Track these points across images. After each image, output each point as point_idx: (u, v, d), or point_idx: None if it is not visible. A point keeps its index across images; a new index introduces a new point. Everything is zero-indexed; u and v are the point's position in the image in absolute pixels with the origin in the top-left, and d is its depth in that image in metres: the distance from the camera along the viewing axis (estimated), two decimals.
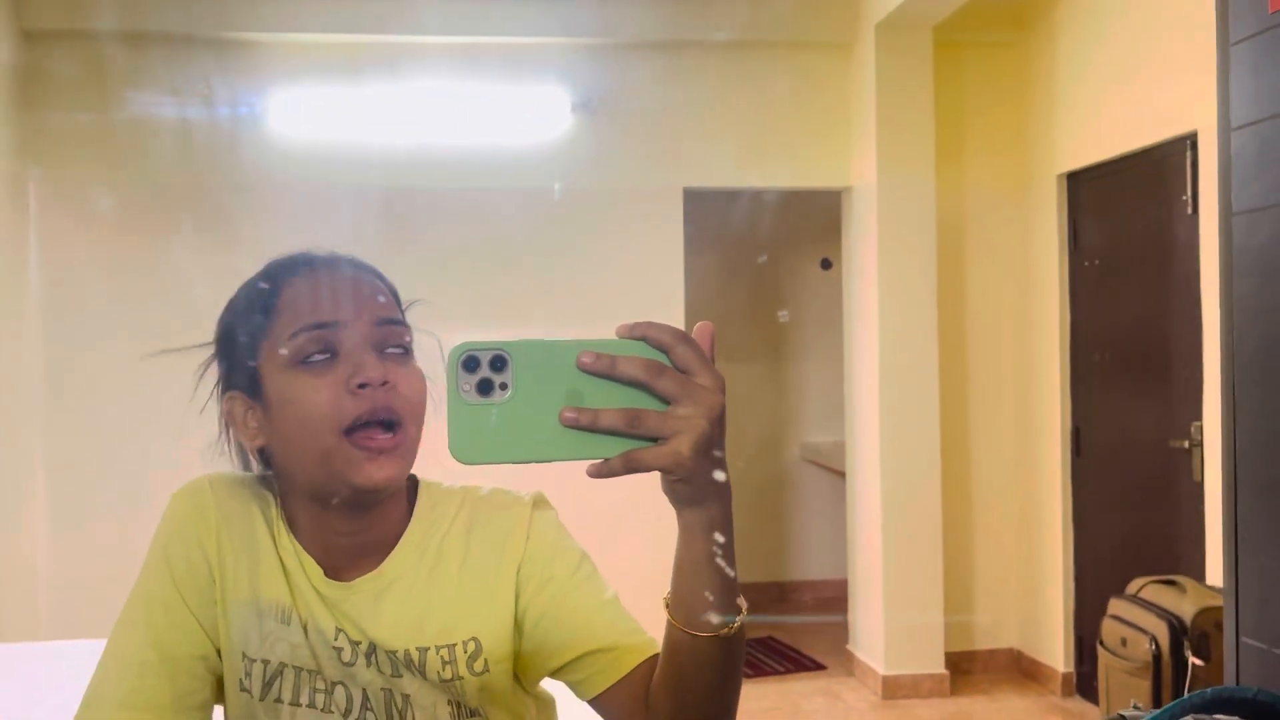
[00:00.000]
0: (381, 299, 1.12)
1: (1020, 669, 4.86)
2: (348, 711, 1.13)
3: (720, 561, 0.89)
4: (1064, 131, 4.52)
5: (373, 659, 1.13)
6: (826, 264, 6.09)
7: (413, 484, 1.20)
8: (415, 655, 1.12)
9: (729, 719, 1.02)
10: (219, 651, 1.16)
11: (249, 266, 1.17)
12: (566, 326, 4.44)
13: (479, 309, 4.43)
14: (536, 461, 0.78)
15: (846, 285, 4.97)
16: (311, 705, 1.14)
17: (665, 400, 0.79)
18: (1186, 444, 3.86)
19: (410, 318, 1.15)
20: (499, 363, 0.78)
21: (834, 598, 5.78)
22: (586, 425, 0.78)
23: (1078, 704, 4.46)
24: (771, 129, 4.80)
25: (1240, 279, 1.55)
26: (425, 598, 1.14)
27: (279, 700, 1.14)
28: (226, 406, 1.14)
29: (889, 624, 4.57)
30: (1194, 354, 3.75)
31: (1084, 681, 4.46)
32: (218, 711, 1.19)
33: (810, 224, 5.88)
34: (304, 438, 1.07)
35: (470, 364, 0.78)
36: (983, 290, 4.91)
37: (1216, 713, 0.97)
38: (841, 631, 5.10)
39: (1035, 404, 4.74)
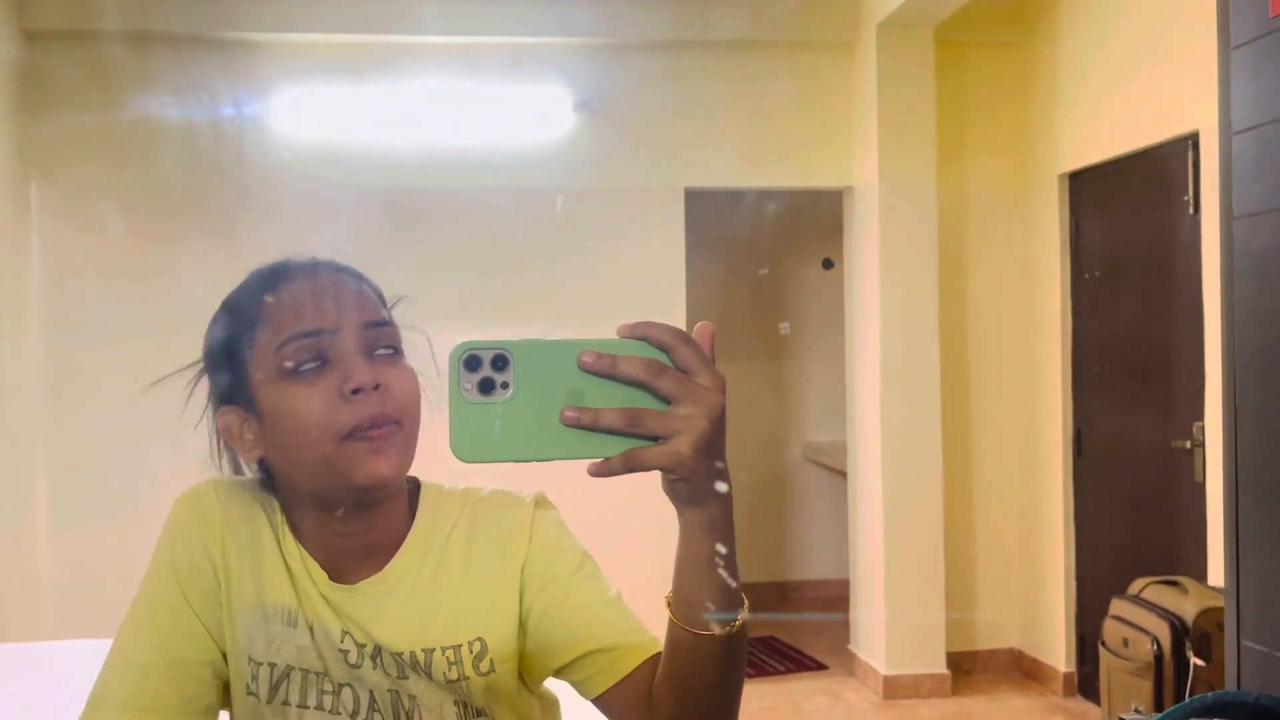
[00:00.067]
0: (367, 301, 1.12)
1: (1021, 669, 4.86)
2: (355, 713, 1.14)
3: (721, 560, 0.89)
4: (1065, 131, 4.52)
5: (379, 661, 1.13)
6: (828, 264, 6.10)
7: (414, 486, 1.20)
8: (421, 656, 1.13)
9: (731, 717, 1.02)
10: (224, 655, 1.16)
11: (250, 267, 1.16)
12: (568, 326, 4.44)
13: (480, 309, 4.44)
14: (537, 460, 0.79)
15: (848, 285, 4.97)
16: (319, 707, 1.14)
17: (666, 400, 0.80)
18: (1188, 444, 3.86)
19: (399, 315, 1.15)
20: (500, 362, 0.78)
21: (835, 597, 5.78)
22: (587, 424, 0.78)
23: (1079, 704, 4.46)
24: (773, 129, 4.80)
25: (1241, 282, 1.55)
26: (429, 599, 1.14)
27: (286, 703, 1.14)
28: (222, 422, 1.14)
29: (890, 624, 4.57)
30: (1196, 354, 3.75)
31: (1085, 682, 4.46)
32: (222, 716, 1.19)
33: (811, 224, 5.88)
34: (302, 447, 1.07)
35: (472, 363, 0.78)
36: (984, 290, 4.91)
37: (1217, 717, 0.97)
38: (843, 631, 5.10)
39: (1036, 403, 4.74)
